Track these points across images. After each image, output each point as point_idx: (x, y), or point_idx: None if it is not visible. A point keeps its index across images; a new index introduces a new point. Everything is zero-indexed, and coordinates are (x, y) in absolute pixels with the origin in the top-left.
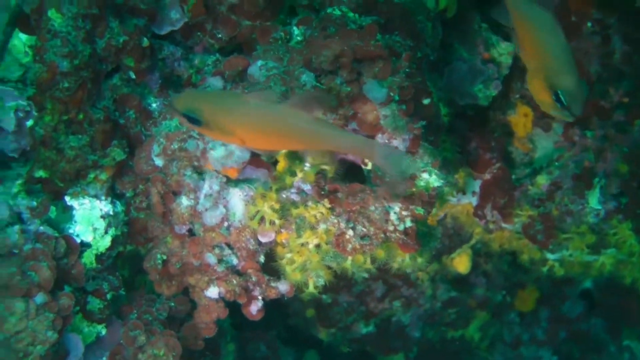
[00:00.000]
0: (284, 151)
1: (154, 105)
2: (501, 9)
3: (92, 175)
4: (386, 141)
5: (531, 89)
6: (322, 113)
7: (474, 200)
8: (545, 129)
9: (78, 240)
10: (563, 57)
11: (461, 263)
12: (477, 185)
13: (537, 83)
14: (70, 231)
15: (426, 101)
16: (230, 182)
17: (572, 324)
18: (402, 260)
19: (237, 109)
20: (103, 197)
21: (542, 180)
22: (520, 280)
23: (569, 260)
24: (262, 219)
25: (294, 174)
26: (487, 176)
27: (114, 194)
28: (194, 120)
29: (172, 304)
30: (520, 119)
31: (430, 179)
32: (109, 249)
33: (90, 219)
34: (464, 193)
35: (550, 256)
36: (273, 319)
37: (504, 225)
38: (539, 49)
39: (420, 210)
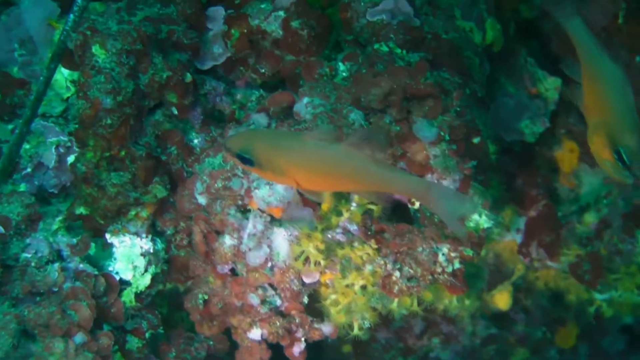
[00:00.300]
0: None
1: (195, 141)
2: (571, 60)
3: (133, 213)
4: (435, 181)
5: (591, 146)
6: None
7: (518, 238)
8: (592, 164)
9: (118, 278)
10: (629, 115)
11: (502, 299)
12: (521, 222)
13: (598, 140)
14: (110, 269)
15: (476, 140)
16: (275, 221)
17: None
18: (449, 302)
19: (293, 149)
20: (144, 235)
21: (590, 218)
22: (561, 316)
23: (618, 301)
24: (306, 259)
25: (339, 214)
26: (533, 213)
27: (154, 231)
28: (246, 161)
29: (211, 342)
30: (565, 155)
31: (480, 220)
32: (149, 287)
33: (130, 256)
34: (508, 230)
35: (598, 296)
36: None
37: (549, 263)
38: (604, 104)
39: (469, 252)
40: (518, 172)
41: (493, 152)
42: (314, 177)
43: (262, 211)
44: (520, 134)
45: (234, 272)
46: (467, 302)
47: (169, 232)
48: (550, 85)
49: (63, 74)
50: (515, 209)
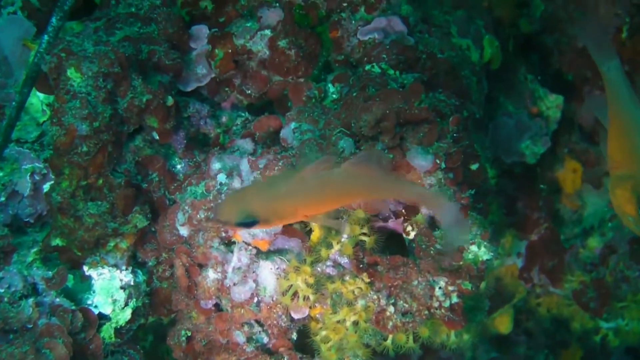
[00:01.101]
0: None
1: (178, 167)
2: (599, 100)
3: (112, 244)
4: (431, 212)
5: (613, 199)
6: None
7: (519, 262)
8: (596, 185)
9: (96, 313)
10: None
11: (502, 323)
12: (523, 246)
13: (622, 193)
14: (89, 302)
15: (474, 166)
16: (261, 254)
17: None
18: (447, 336)
19: (295, 191)
20: (124, 267)
21: (595, 242)
22: (564, 338)
23: (625, 330)
24: (295, 294)
25: (330, 246)
26: (534, 237)
27: (135, 263)
28: (250, 224)
29: None
30: (568, 175)
31: (479, 251)
32: (130, 321)
33: (109, 289)
34: (509, 254)
35: (604, 325)
36: None
37: (552, 289)
38: (632, 157)
39: (467, 286)
40: (518, 194)
41: (492, 176)
42: (325, 204)
43: (247, 244)
44: (520, 155)
45: (218, 307)
46: (466, 336)
47: (150, 263)
48: (551, 104)
49: (39, 97)
50: (516, 232)
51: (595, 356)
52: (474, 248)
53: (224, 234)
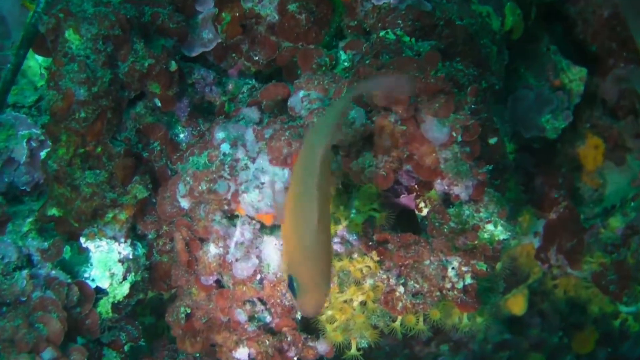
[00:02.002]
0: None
1: (181, 135)
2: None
3: (110, 215)
4: (446, 188)
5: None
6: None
7: (536, 242)
8: (618, 162)
9: (93, 287)
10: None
11: (516, 304)
12: (540, 225)
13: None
14: (85, 276)
15: (492, 141)
16: (265, 229)
17: None
18: (459, 319)
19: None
20: (122, 239)
21: (616, 223)
22: (579, 320)
23: None
24: None
25: (337, 222)
26: (553, 216)
27: (134, 235)
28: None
29: (197, 354)
30: (589, 151)
31: (496, 230)
32: (128, 296)
33: (107, 263)
34: (526, 233)
35: (623, 309)
36: None
37: (570, 271)
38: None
39: (482, 266)
40: (537, 171)
41: (511, 151)
42: None
43: (251, 218)
44: (540, 130)
45: (219, 283)
46: (479, 319)
47: (150, 236)
48: (574, 76)
49: (37, 60)
50: (534, 210)
51: (611, 340)
52: (490, 227)
53: (226, 207)
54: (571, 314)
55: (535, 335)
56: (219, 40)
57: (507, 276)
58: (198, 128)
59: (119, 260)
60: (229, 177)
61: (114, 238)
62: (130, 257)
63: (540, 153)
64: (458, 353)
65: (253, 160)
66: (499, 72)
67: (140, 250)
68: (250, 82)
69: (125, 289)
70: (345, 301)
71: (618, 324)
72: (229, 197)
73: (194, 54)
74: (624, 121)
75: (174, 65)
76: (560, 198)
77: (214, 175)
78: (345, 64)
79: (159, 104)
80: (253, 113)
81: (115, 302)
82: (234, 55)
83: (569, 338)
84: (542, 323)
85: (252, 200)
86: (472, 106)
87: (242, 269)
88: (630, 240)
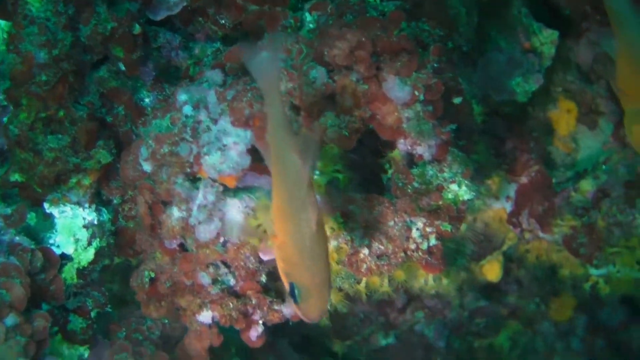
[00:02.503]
0: None
1: (146, 100)
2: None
3: (74, 180)
4: (409, 147)
5: (630, 135)
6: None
7: (508, 206)
8: (591, 126)
9: (58, 253)
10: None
11: (491, 270)
12: (512, 190)
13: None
14: (50, 242)
15: (457, 100)
16: (228, 191)
17: (611, 332)
18: (425, 281)
19: None
20: (87, 205)
21: (587, 186)
22: (556, 287)
23: (616, 277)
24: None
25: None
26: (524, 180)
27: (99, 201)
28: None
29: (165, 320)
30: (562, 116)
31: (460, 190)
32: (93, 262)
33: (71, 228)
34: (497, 198)
35: (594, 272)
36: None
37: (542, 235)
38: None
39: (446, 227)
40: (508, 134)
41: (479, 113)
42: None
43: (214, 180)
44: (511, 93)
45: (183, 247)
46: (445, 281)
47: (115, 201)
48: (546, 39)
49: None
50: (505, 175)
51: (589, 305)
52: (454, 187)
53: (188, 170)
54: (547, 280)
55: (512, 302)
56: (185, 4)
57: (481, 242)
58: (163, 93)
59: (84, 226)
60: (191, 139)
61: (78, 203)
62: (95, 222)
63: (511, 117)
64: (434, 320)
65: (215, 122)
66: (467, 34)
67: (105, 216)
68: (216, 45)
69: (90, 254)
70: None
71: (589, 287)
72: (191, 160)
73: (159, 18)
74: (597, 85)
75: (137, 29)
76: (532, 162)
77: (176, 138)
78: (311, 25)
79: (123, 68)
80: (216, 75)
81: (80, 267)
82: (200, 19)
83: (546, 305)
84: (519, 290)
85: (214, 163)
86: (435, 65)
87: (205, 232)
88: (601, 203)
